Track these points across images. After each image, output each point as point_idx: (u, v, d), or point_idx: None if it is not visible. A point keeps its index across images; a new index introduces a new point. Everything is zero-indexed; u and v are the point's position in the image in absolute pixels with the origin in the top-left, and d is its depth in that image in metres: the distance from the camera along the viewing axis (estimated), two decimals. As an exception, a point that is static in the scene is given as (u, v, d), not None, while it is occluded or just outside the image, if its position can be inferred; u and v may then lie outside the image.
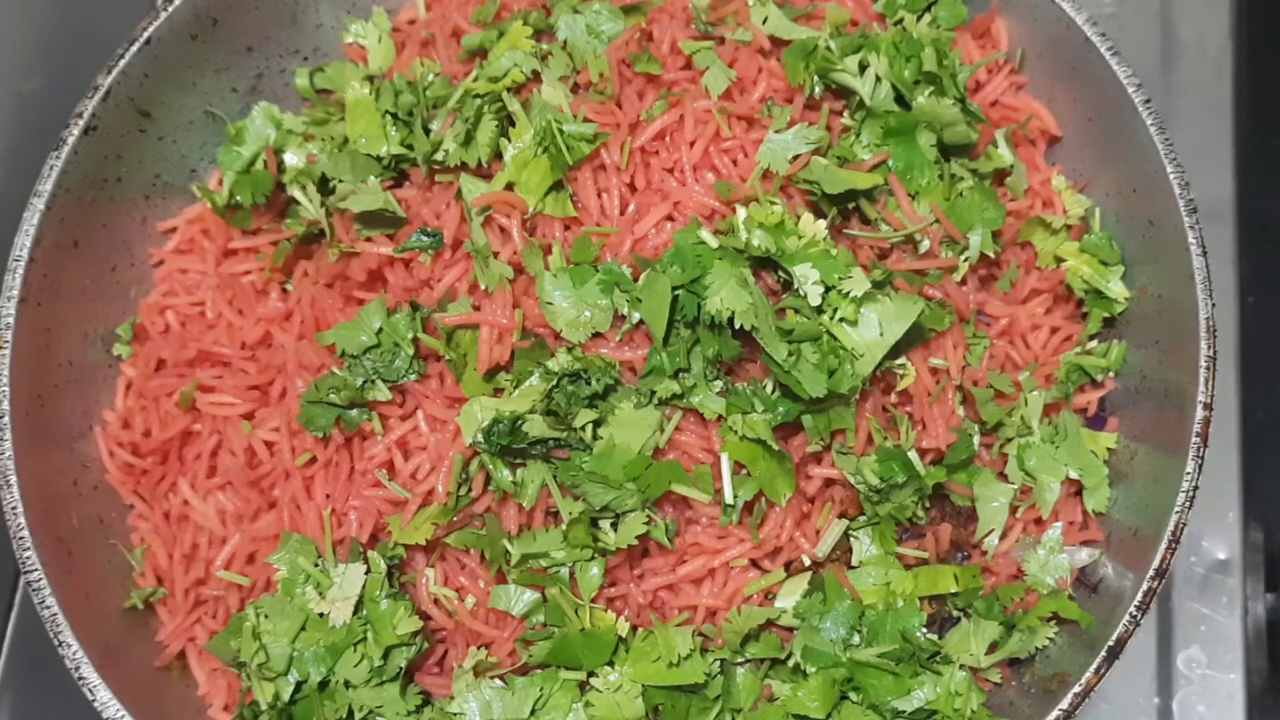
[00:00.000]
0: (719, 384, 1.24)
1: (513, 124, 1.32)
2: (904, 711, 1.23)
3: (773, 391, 1.25)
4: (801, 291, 1.23)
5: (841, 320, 1.23)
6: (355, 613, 1.25)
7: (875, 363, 1.23)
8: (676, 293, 1.22)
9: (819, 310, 1.23)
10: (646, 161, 1.31)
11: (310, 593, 1.26)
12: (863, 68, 1.34)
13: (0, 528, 1.29)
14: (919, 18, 1.45)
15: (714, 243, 1.23)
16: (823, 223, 1.26)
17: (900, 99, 1.35)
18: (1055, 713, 1.19)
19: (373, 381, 1.28)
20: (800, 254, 1.23)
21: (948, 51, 1.38)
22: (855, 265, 1.24)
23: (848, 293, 1.23)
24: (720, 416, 1.23)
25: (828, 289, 1.23)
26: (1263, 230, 1.71)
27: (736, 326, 1.20)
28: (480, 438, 1.21)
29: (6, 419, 1.30)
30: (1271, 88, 1.80)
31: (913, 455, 1.26)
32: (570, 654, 1.22)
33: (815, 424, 1.24)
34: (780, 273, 1.25)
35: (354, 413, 1.29)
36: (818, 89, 1.35)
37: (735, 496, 1.23)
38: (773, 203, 1.27)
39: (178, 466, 1.41)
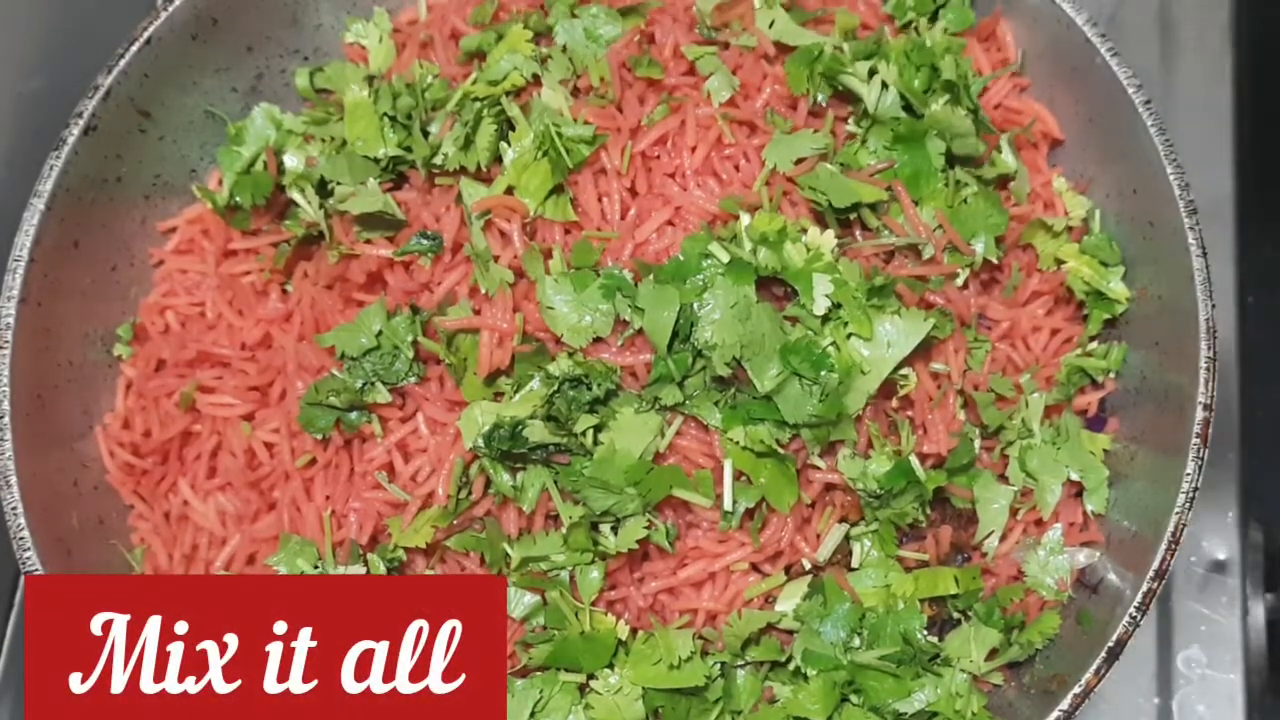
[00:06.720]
0: (719, 396, 1.23)
1: (512, 127, 1.32)
2: (905, 713, 1.23)
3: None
4: (806, 305, 1.23)
5: (850, 336, 1.23)
6: (355, 615, 1.25)
7: (881, 379, 1.23)
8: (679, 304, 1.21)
9: (824, 320, 1.23)
10: (648, 166, 1.31)
11: (310, 595, 1.26)
12: (871, 74, 1.33)
13: (0, 528, 1.30)
14: (930, 19, 1.44)
15: (725, 257, 1.22)
16: (830, 234, 1.26)
17: (908, 107, 1.34)
18: (1055, 713, 1.20)
19: (372, 384, 1.28)
20: (807, 268, 1.23)
21: (960, 60, 1.38)
22: (863, 279, 1.24)
23: (857, 308, 1.23)
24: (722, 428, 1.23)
25: (836, 305, 1.23)
26: (1262, 231, 1.71)
27: (726, 360, 1.20)
28: (481, 442, 1.21)
29: (7, 419, 1.30)
30: (1271, 88, 1.79)
31: (913, 461, 1.26)
32: (570, 657, 1.22)
33: (815, 435, 1.24)
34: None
35: (354, 415, 1.29)
36: (821, 96, 1.34)
37: (735, 503, 1.23)
38: (777, 210, 1.27)
39: (178, 467, 1.41)
